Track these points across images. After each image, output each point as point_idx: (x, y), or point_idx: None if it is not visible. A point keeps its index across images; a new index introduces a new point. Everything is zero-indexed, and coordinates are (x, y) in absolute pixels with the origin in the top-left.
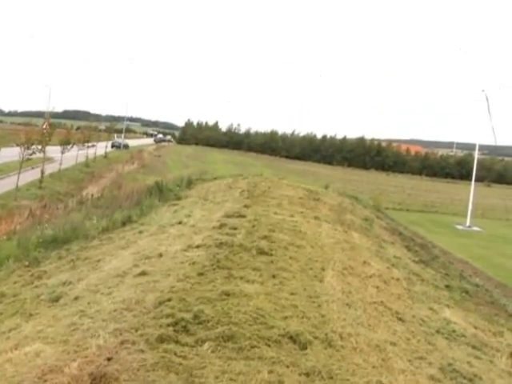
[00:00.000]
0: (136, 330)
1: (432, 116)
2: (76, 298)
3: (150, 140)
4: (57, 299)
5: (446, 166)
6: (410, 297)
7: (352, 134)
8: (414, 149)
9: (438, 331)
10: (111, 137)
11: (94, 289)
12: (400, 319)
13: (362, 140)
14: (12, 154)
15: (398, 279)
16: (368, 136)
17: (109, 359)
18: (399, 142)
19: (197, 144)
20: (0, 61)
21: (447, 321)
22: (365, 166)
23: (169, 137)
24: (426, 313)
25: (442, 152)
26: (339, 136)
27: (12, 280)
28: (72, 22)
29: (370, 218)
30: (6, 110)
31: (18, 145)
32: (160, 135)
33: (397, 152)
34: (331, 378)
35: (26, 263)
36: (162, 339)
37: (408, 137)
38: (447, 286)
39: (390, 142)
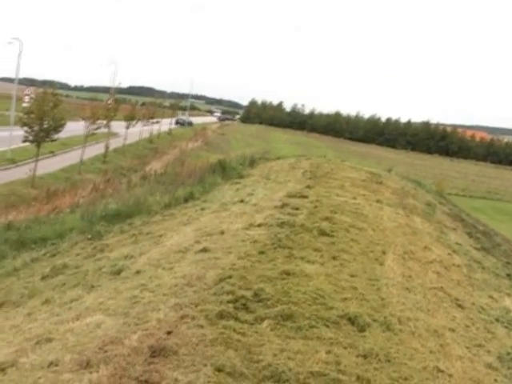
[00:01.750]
0: (196, 306)
1: (498, 102)
2: (137, 272)
3: (214, 118)
4: (118, 272)
5: None
6: (470, 284)
7: (416, 117)
8: (479, 135)
9: (497, 319)
10: (175, 114)
11: (156, 263)
12: (459, 306)
13: (426, 124)
14: (77, 128)
15: (458, 266)
16: (433, 120)
17: (168, 333)
18: (464, 127)
19: (260, 123)
20: (68, 36)
21: (507, 310)
22: (429, 151)
23: (237, 116)
24: (486, 300)
25: (507, 139)
26: (403, 119)
27: (75, 252)
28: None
29: (432, 203)
30: (73, 84)
31: (83, 119)
32: (217, 113)
33: (461, 138)
34: (388, 361)
35: (89, 236)
36: (221, 315)
37: (473, 122)
38: (508, 275)
39: (454, 127)
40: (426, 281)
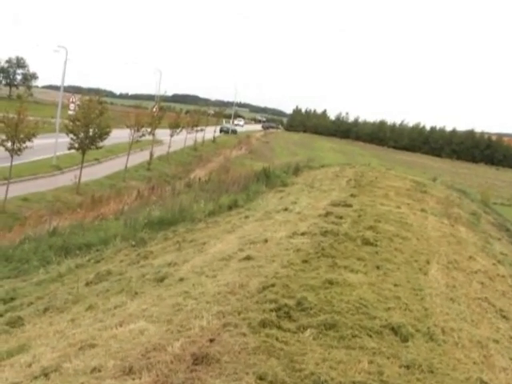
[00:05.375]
0: (239, 314)
1: None
2: (181, 279)
3: (258, 126)
4: (162, 279)
5: None
6: None
7: (461, 126)
8: None
9: None
10: (219, 121)
11: (199, 271)
12: (504, 317)
13: (471, 133)
14: (122, 135)
15: (503, 276)
16: (478, 129)
17: (211, 340)
18: (510, 136)
19: (305, 131)
20: (113, 45)
21: None
22: (474, 160)
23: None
24: None
25: None
26: (448, 128)
27: (118, 259)
28: (184, 7)
29: (477, 212)
30: (118, 92)
31: (128, 127)
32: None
33: (507, 146)
34: (431, 371)
35: (133, 243)
36: (264, 324)
37: None
38: None
39: (500, 135)
40: (471, 291)
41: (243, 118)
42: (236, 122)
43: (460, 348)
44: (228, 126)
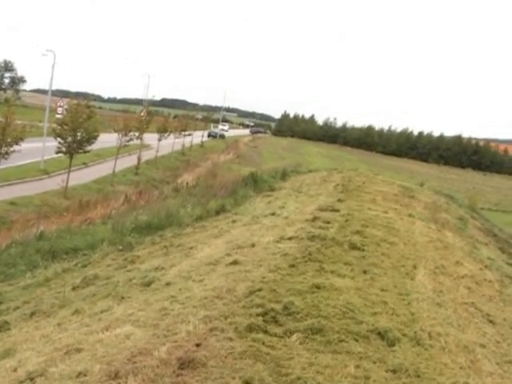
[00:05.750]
0: (225, 318)
1: None
2: (168, 284)
3: (246, 131)
4: (149, 284)
5: None
6: (502, 299)
7: (448, 131)
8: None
9: None
10: (208, 126)
11: (186, 275)
12: (490, 321)
13: (459, 138)
14: (110, 139)
15: (490, 281)
16: (465, 134)
17: (197, 345)
18: (497, 141)
19: (292, 136)
20: (100, 49)
21: None
22: (461, 165)
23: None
24: None
25: None
26: (436, 133)
27: (106, 263)
28: (172, 12)
29: (464, 217)
30: (106, 96)
31: (116, 131)
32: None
33: (494, 152)
34: (418, 376)
35: (120, 247)
36: (250, 328)
37: (506, 137)
38: None
39: (487, 141)
40: (457, 296)
41: (230, 122)
42: (220, 126)
43: (447, 353)
44: (216, 130)
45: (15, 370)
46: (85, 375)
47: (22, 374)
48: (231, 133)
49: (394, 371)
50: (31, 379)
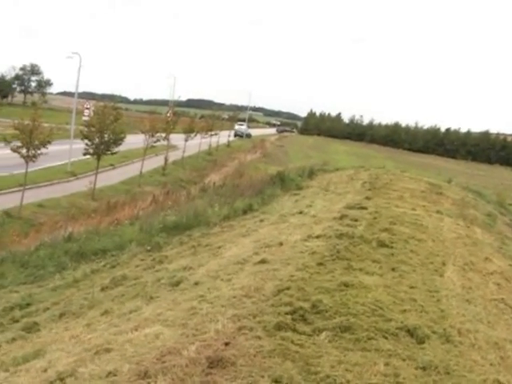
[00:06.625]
0: (254, 317)
1: None
2: (196, 283)
3: (273, 130)
4: (177, 284)
5: None
6: None
7: (476, 127)
8: None
9: None
10: (234, 126)
11: (214, 275)
12: None
13: (486, 134)
14: (137, 140)
15: None
16: (493, 130)
17: (226, 344)
18: None
19: (319, 135)
20: (126, 51)
21: None
22: (489, 161)
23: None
24: None
25: None
26: (463, 129)
27: (134, 263)
28: (198, 14)
29: (493, 213)
30: (132, 98)
31: (142, 132)
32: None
33: None
34: (448, 373)
35: (148, 248)
36: (279, 327)
37: None
38: None
39: None
40: (487, 292)
41: (256, 121)
42: (237, 126)
43: (476, 349)
44: (242, 129)
45: (45, 370)
46: (114, 375)
47: (52, 374)
48: (257, 132)
49: (424, 368)
50: (61, 379)
